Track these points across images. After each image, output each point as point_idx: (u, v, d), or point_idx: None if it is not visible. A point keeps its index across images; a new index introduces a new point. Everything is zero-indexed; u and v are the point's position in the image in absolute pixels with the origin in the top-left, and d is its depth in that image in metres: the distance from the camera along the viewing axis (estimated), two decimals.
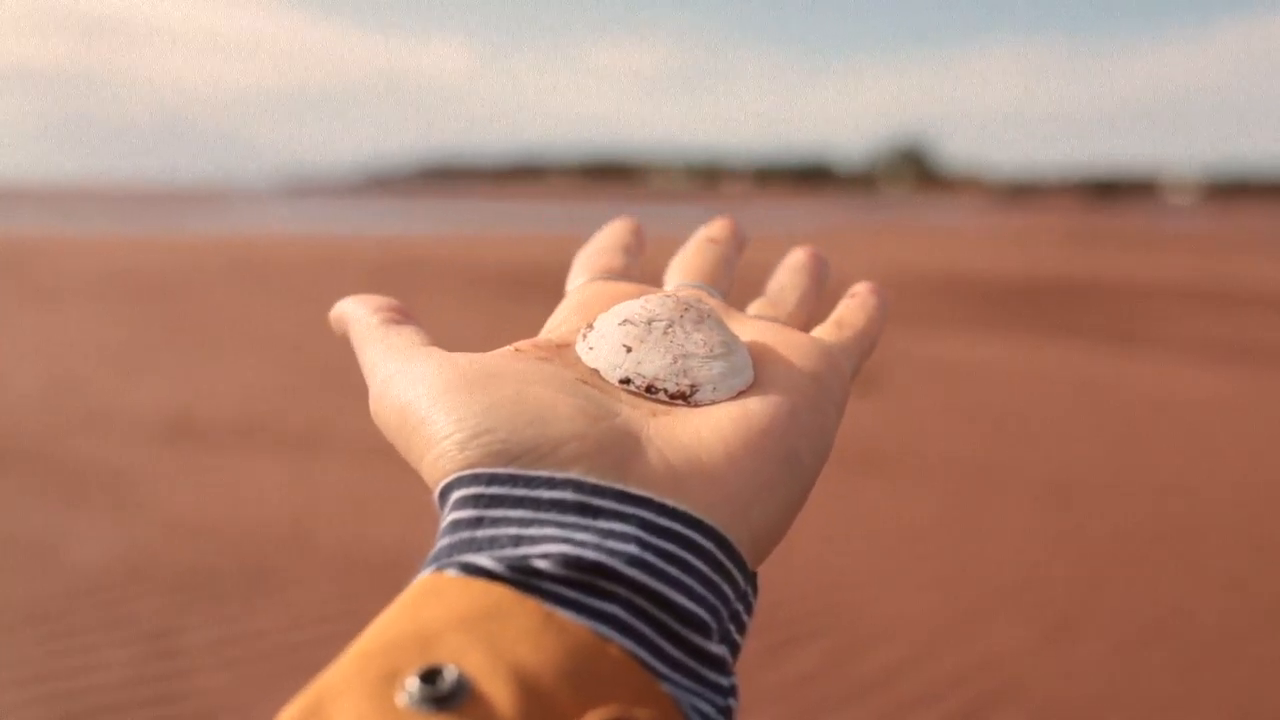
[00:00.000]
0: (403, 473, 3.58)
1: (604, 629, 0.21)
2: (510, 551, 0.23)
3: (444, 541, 0.24)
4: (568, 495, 0.24)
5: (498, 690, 0.19)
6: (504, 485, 0.24)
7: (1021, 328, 7.58)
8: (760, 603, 2.33)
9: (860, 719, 2.08)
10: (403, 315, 0.32)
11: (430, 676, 0.19)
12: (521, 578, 0.22)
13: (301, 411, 4.49)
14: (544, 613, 0.21)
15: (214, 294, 8.76)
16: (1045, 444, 4.25)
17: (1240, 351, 6.67)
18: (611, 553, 0.22)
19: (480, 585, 0.22)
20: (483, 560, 0.23)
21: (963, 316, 7.97)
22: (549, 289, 10.28)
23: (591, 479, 0.24)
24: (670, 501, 0.24)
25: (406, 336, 0.31)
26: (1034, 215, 39.50)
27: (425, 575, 0.23)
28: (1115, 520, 3.26)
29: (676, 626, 0.22)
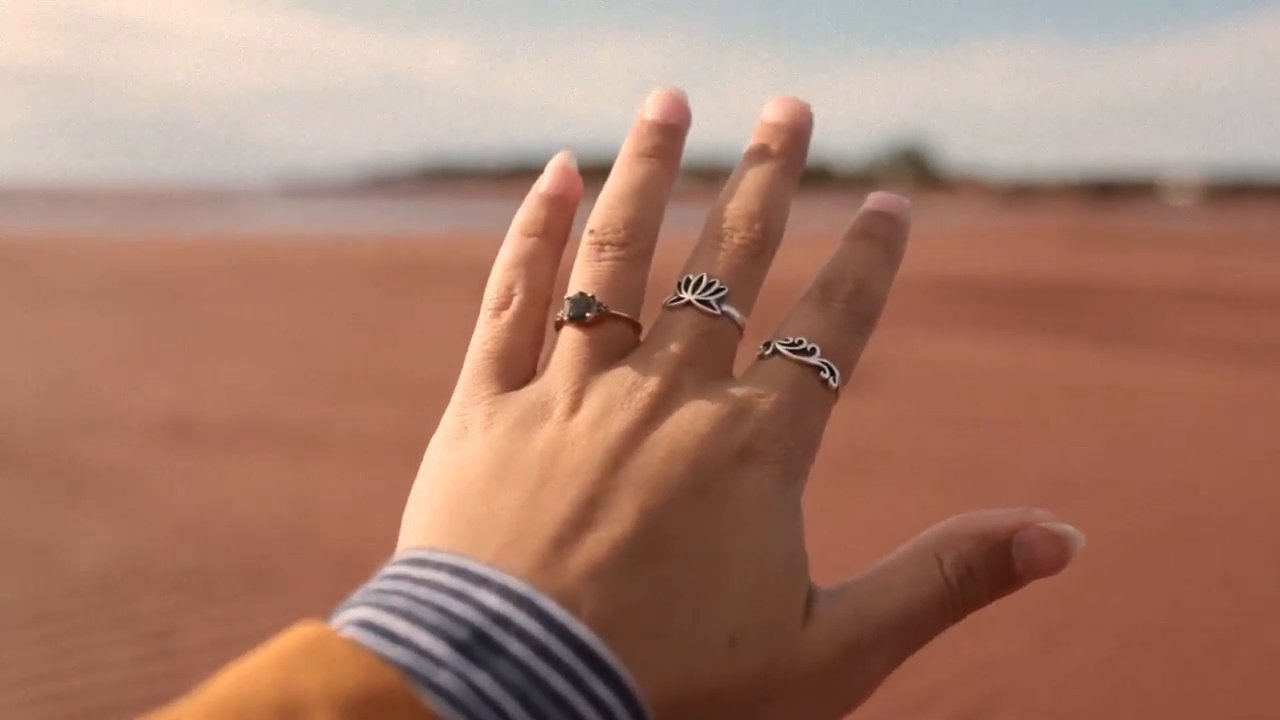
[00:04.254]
0: (403, 473, 3.58)
1: None
2: (423, 633, 0.20)
3: (366, 587, 0.23)
4: (491, 600, 0.21)
5: None
6: (442, 571, 0.22)
7: (1019, 328, 7.58)
8: None
9: (860, 719, 2.07)
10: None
11: None
12: (423, 665, 0.20)
13: (301, 411, 4.49)
14: (431, 717, 0.19)
15: (214, 294, 8.76)
16: (1043, 444, 4.25)
17: (1239, 351, 6.67)
18: (508, 685, 0.20)
19: (370, 663, 0.19)
20: (391, 624, 0.21)
21: (961, 317, 7.97)
22: None
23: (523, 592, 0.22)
24: (602, 651, 0.21)
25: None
26: (1033, 216, 39.52)
27: (311, 628, 0.21)
28: (1113, 520, 3.27)
29: None
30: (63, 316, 7.22)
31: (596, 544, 0.23)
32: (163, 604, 2.49)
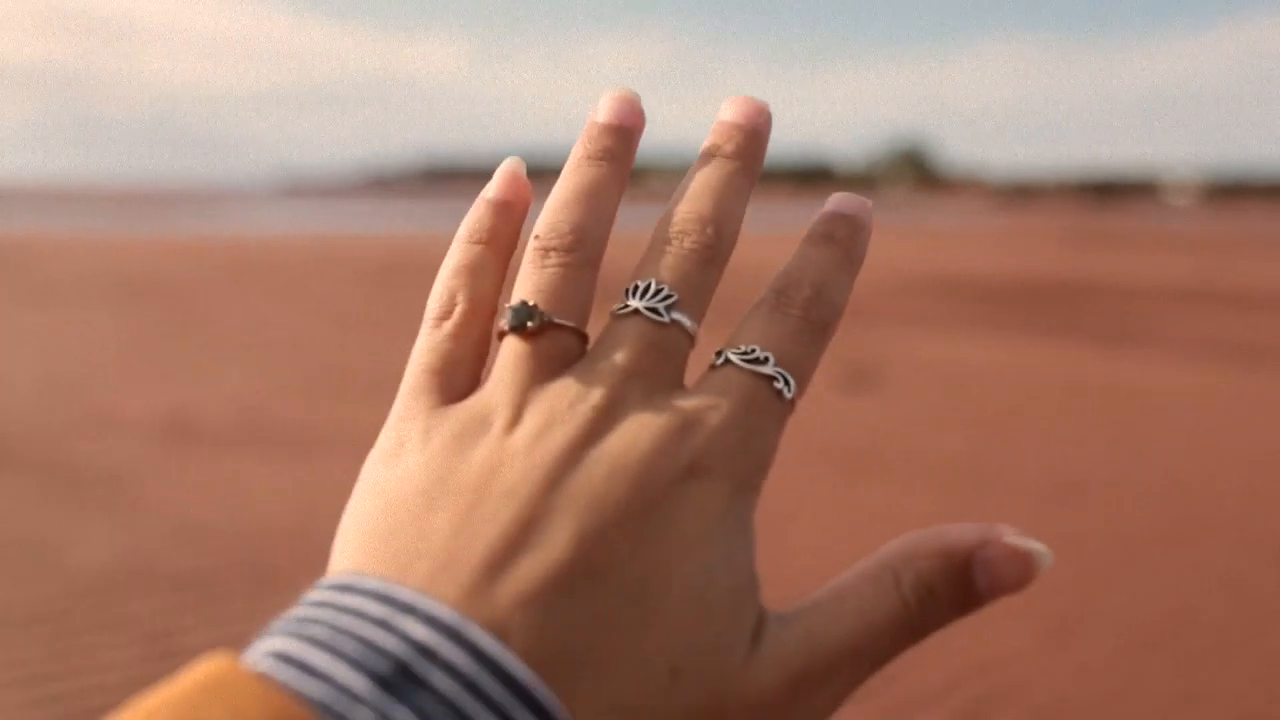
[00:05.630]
0: None
1: None
2: (342, 666, 0.19)
3: (287, 614, 0.22)
4: (418, 630, 0.20)
5: None
6: (368, 598, 0.21)
7: (1020, 328, 7.58)
8: None
9: (860, 718, 2.07)
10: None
11: None
12: (339, 701, 0.19)
13: (301, 411, 4.49)
14: None
15: (213, 294, 8.76)
16: (1043, 444, 4.25)
17: (1239, 351, 6.67)
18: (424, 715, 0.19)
19: (280, 702, 0.18)
20: (308, 655, 0.20)
21: (961, 317, 7.97)
22: None
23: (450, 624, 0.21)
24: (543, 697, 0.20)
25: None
26: (1033, 216, 39.52)
27: (219, 661, 0.20)
28: (1114, 520, 3.27)
29: None
30: (63, 316, 7.22)
31: (531, 569, 0.22)
32: (162, 604, 2.48)
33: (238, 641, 2.29)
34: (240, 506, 3.21)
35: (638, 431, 0.24)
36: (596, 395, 0.25)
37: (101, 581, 2.60)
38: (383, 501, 0.24)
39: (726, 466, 0.24)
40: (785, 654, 0.23)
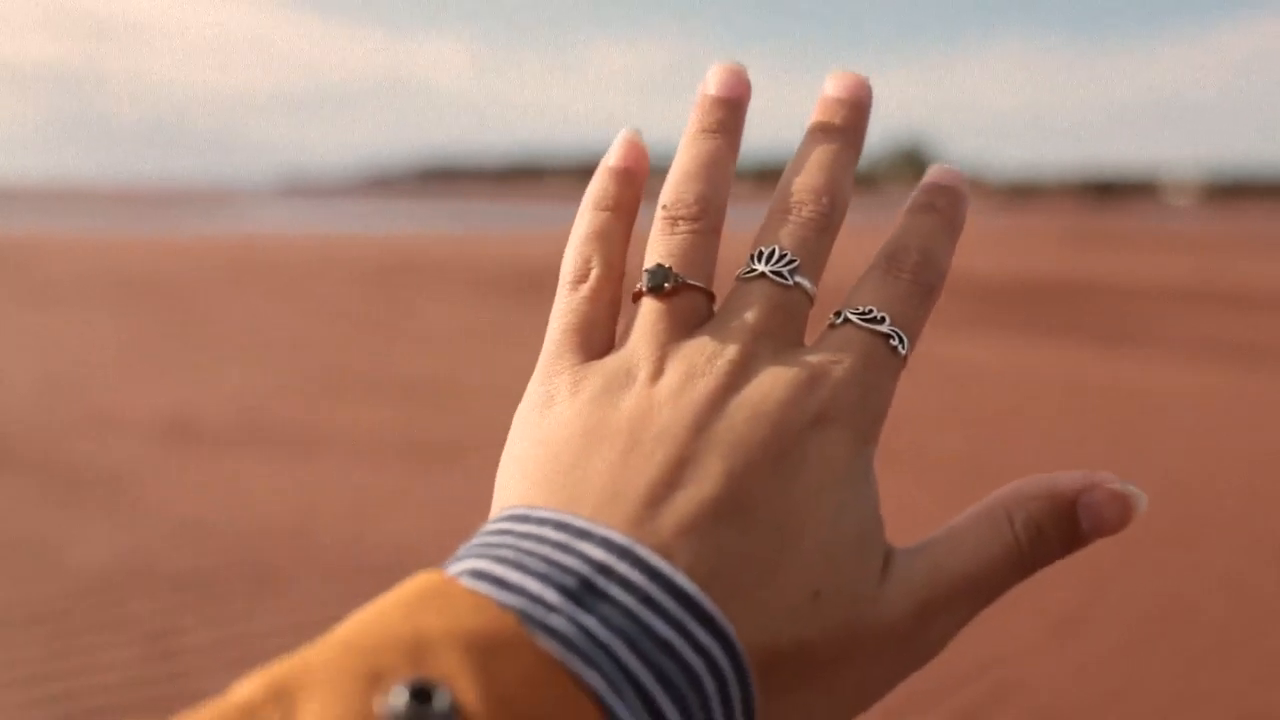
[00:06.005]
0: (402, 473, 3.58)
1: (610, 697, 0.20)
2: (533, 581, 0.21)
3: (470, 543, 0.23)
4: (595, 552, 0.22)
5: None
6: (545, 525, 0.23)
7: (1019, 328, 7.58)
8: None
9: (860, 718, 2.07)
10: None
11: (420, 694, 0.18)
12: (536, 610, 0.21)
13: (301, 411, 4.49)
14: (550, 660, 0.20)
15: (214, 294, 8.77)
16: (1043, 443, 4.25)
17: (1239, 351, 6.67)
18: (616, 630, 0.21)
19: (490, 608, 0.20)
20: (502, 573, 0.21)
21: (962, 316, 7.97)
22: (550, 289, 10.23)
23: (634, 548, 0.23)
24: (708, 605, 0.22)
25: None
26: (1034, 216, 39.53)
27: (431, 575, 0.22)
28: None
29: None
30: (63, 316, 7.22)
31: (687, 502, 0.24)
32: (162, 604, 2.48)
33: (237, 642, 2.29)
34: (240, 506, 3.21)
35: (771, 383, 0.26)
36: (732, 351, 0.27)
37: (101, 581, 2.60)
38: (541, 447, 0.26)
39: (850, 417, 0.27)
40: (913, 584, 0.26)
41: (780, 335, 0.28)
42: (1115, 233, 23.80)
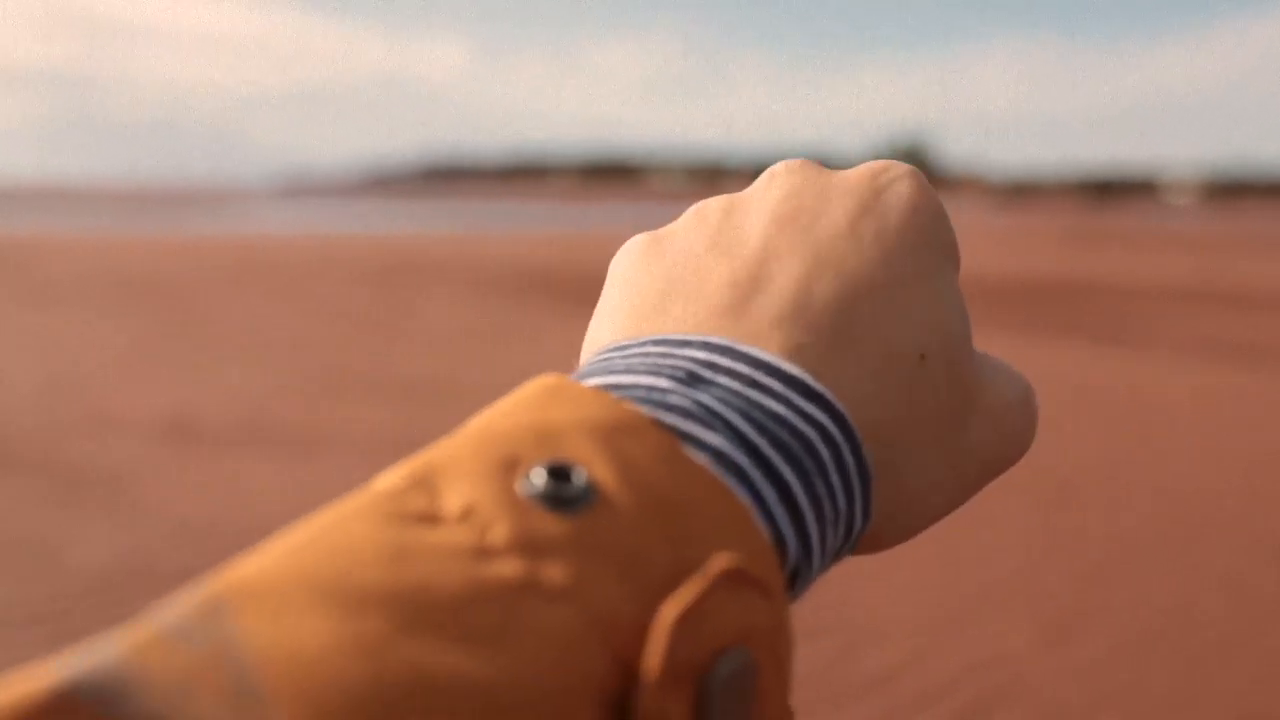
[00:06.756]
0: None
1: (732, 481, 0.21)
2: (645, 376, 0.22)
3: (575, 374, 0.24)
4: (697, 353, 0.23)
5: (627, 503, 0.19)
6: (645, 344, 0.24)
7: (1019, 328, 7.58)
8: None
9: (860, 718, 2.07)
10: None
11: (558, 473, 0.19)
12: (653, 395, 0.22)
13: (301, 411, 4.49)
14: (674, 442, 0.20)
15: (214, 294, 8.76)
16: (1044, 443, 4.25)
17: (1239, 351, 6.67)
18: (729, 404, 0.22)
19: (609, 398, 0.21)
20: (615, 379, 0.22)
21: None
22: (550, 289, 10.25)
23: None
24: (818, 386, 0.23)
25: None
26: (1034, 215, 39.52)
27: (549, 377, 0.22)
28: (1114, 519, 3.26)
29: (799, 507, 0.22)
30: (63, 316, 7.22)
31: (781, 291, 0.25)
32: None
33: None
34: (240, 506, 3.21)
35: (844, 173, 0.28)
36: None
37: (101, 581, 2.60)
38: (631, 291, 0.27)
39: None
40: (1006, 371, 0.27)
41: None
42: (1115, 232, 23.79)
